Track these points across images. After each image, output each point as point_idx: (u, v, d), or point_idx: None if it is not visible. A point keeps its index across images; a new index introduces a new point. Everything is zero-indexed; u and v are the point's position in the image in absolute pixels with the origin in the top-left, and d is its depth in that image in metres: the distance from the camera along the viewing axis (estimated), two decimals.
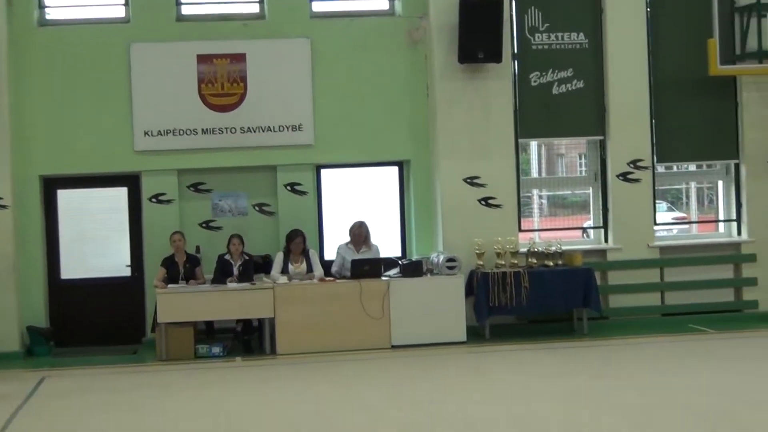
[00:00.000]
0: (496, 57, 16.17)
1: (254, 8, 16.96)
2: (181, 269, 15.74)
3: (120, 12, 16.73)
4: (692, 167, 18.39)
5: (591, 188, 17.40)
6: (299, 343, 15.13)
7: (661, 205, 20.82)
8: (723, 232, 17.80)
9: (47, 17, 16.66)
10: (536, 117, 16.99)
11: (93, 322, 16.66)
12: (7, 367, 14.97)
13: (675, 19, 17.22)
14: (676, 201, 22.26)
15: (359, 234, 16.15)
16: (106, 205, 16.90)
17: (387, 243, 16.90)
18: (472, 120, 16.56)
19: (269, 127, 16.68)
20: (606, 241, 17.22)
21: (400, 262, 15.99)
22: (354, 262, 15.64)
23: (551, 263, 16.27)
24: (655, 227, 17.39)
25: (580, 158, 19.16)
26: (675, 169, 18.27)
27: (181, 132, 16.56)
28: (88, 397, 12.72)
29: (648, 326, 16.51)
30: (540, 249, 16.38)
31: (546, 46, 16.99)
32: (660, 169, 17.58)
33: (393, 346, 15.33)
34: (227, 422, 11.03)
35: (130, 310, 16.73)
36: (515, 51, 16.85)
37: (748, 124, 17.25)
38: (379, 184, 17.34)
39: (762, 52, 16.83)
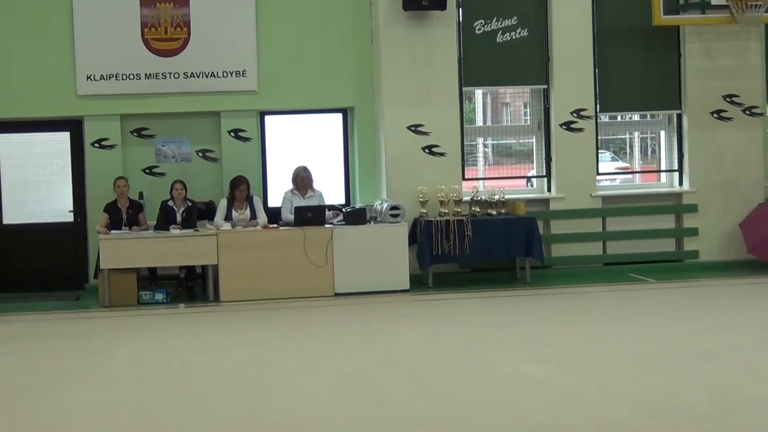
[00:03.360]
0: (440, 4, 16.12)
1: None
2: (124, 215, 15.65)
3: None
4: (636, 117, 18.49)
5: (534, 137, 17.46)
6: (242, 290, 15.12)
7: (605, 155, 20.94)
8: (665, 182, 17.94)
9: None
10: (480, 65, 16.99)
11: (35, 268, 16.56)
12: None
13: None
14: (619, 151, 22.39)
15: (306, 178, 16.06)
16: (49, 150, 16.75)
17: (331, 190, 16.90)
18: (417, 68, 16.53)
19: (213, 72, 16.59)
20: (549, 190, 17.30)
21: (343, 209, 15.98)
22: (297, 209, 15.59)
23: (494, 212, 16.30)
24: (598, 177, 17.51)
25: (525, 107, 19.19)
26: (619, 119, 18.36)
27: (124, 76, 16.42)
28: (32, 343, 12.65)
29: (590, 275, 16.65)
30: (483, 198, 16.41)
31: None
32: (604, 118, 17.66)
33: (336, 294, 15.35)
34: (170, 369, 11.03)
35: (72, 255, 16.68)
36: None
37: (690, 75, 17.34)
38: (323, 131, 17.30)
39: (704, 3, 16.80)
